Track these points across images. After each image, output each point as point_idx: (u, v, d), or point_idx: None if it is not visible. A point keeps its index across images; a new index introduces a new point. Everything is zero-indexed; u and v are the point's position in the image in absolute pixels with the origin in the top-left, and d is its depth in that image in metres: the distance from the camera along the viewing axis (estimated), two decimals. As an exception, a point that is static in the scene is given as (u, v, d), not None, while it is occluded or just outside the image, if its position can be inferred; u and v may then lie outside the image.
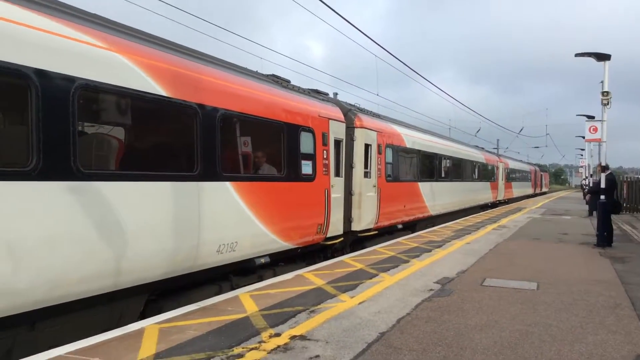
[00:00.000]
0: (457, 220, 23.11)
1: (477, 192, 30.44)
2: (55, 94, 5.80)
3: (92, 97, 6.58)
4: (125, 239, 6.57)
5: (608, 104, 15.48)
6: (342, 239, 13.30)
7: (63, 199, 5.82)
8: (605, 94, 15.30)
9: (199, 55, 8.90)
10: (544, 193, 75.70)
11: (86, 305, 6.28)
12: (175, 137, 8.22)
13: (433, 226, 20.50)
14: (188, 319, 6.57)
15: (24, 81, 5.51)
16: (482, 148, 39.44)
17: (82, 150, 6.13)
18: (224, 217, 8.48)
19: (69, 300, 5.96)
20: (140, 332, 5.98)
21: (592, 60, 15.48)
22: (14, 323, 5.49)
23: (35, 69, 5.60)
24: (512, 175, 45.33)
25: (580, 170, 52.95)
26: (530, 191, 59.13)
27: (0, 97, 5.92)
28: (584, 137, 19.77)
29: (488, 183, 34.07)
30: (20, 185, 5.39)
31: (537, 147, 75.12)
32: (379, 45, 16.79)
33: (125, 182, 6.70)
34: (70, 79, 6.00)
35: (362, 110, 15.88)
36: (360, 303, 7.53)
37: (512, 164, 47.20)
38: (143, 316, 7.27)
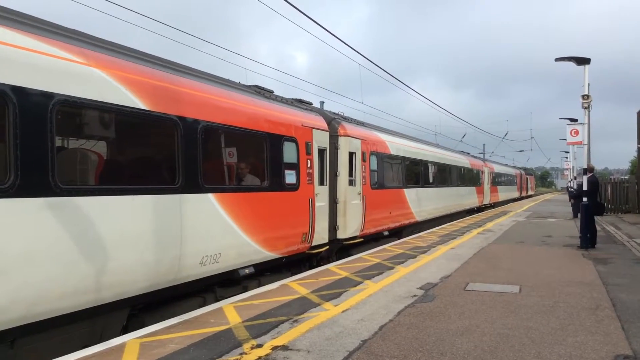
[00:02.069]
0: (443, 226, 23.24)
1: (463, 196, 30.63)
2: (33, 110, 5.80)
3: (70, 112, 6.59)
4: (106, 253, 6.57)
5: (589, 107, 15.69)
6: (327, 247, 13.34)
7: (42, 215, 5.82)
8: (585, 97, 15.50)
9: (179, 67, 8.93)
10: (530, 196, 76.32)
11: (67, 321, 6.25)
12: (156, 150, 8.23)
13: (419, 232, 20.59)
14: (170, 332, 6.56)
15: (1, 98, 5.51)
16: (468, 153, 39.72)
17: (60, 165, 6.13)
18: (206, 228, 8.49)
19: (50, 316, 5.94)
20: (121, 347, 5.96)
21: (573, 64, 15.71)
22: None
23: (13, 85, 5.60)
24: (497, 180, 45.67)
25: (566, 172, 53.46)
26: (516, 195, 59.57)
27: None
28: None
29: (474, 188, 34.29)
30: None
31: (522, 151, 75.88)
32: (361, 55, 16.94)
33: (106, 197, 6.69)
34: (49, 95, 6.00)
35: (346, 119, 15.97)
36: (343, 311, 7.56)
37: (498, 168, 47.57)
38: (125, 330, 7.24)
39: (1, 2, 6.20)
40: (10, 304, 5.44)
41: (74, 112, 6.68)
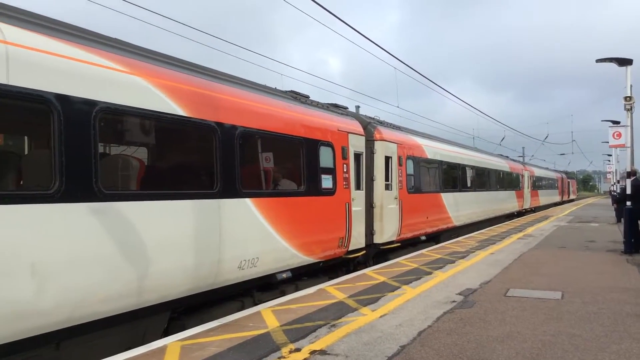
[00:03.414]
0: (482, 231, 22.88)
1: (502, 201, 30.10)
2: (76, 118, 5.97)
3: (113, 119, 6.76)
4: (147, 257, 6.70)
5: (631, 108, 15.26)
6: (364, 252, 13.30)
7: (85, 220, 5.97)
8: (628, 99, 15.09)
9: (217, 74, 9.07)
10: (572, 200, 74.42)
11: (110, 324, 6.40)
12: (195, 156, 8.37)
13: (457, 237, 20.32)
14: (209, 335, 6.64)
15: (46, 106, 5.69)
16: (507, 157, 39.05)
17: (103, 171, 6.29)
18: (244, 233, 8.58)
19: (93, 319, 6.09)
20: (162, 350, 6.07)
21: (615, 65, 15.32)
22: (40, 343, 5.62)
23: (57, 94, 5.77)
24: (538, 183, 44.73)
25: (609, 176, 52.00)
26: (557, 199, 58.21)
27: (24, 123, 6.11)
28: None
29: (513, 192, 33.66)
30: (44, 208, 5.54)
31: (563, 154, 74.16)
32: (396, 58, 16.88)
33: (147, 202, 6.83)
34: (92, 103, 6.16)
35: (382, 123, 15.92)
36: (381, 316, 7.52)
37: (538, 172, 46.60)
38: (166, 333, 7.36)
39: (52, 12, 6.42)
40: (55, 307, 5.60)
41: (116, 119, 6.85)
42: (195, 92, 7.91)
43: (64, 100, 5.84)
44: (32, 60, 5.60)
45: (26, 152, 6.51)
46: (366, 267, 13.47)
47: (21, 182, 6.17)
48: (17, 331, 5.27)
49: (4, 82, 5.26)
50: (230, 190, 8.29)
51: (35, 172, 6.05)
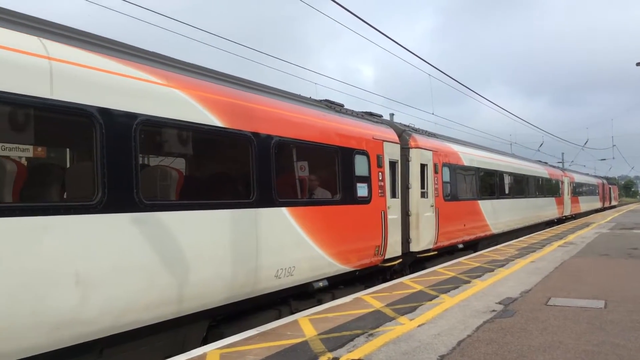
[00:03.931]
0: (521, 238, 22.44)
1: (541, 208, 29.48)
2: (118, 130, 6.12)
3: (152, 131, 6.91)
4: (186, 266, 6.80)
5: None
6: (400, 260, 13.20)
7: (127, 230, 6.10)
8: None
9: (251, 85, 9.19)
10: (614, 207, 72.41)
11: (151, 332, 6.50)
12: (232, 166, 8.47)
13: (496, 245, 19.98)
14: (248, 343, 6.69)
15: (88, 119, 5.85)
16: (546, 163, 38.26)
17: (144, 182, 6.42)
18: (281, 242, 8.62)
19: (135, 327, 6.20)
20: (202, 358, 6.13)
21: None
22: (83, 351, 5.75)
23: (99, 107, 5.93)
24: (578, 190, 43.68)
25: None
26: (598, 205, 56.70)
27: (68, 135, 6.29)
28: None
29: (553, 198, 32.95)
30: (87, 219, 5.69)
31: (604, 160, 72.30)
32: (431, 65, 16.78)
33: (186, 212, 6.95)
34: (132, 116, 6.31)
35: (417, 130, 15.83)
36: (419, 325, 7.44)
37: (578, 178, 45.53)
38: (205, 342, 7.44)
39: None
40: (99, 315, 5.72)
41: (155, 131, 7.00)
42: (231, 103, 8.01)
43: (106, 113, 5.99)
44: (74, 75, 5.77)
45: (70, 164, 6.70)
46: (402, 275, 13.37)
47: (65, 194, 6.35)
48: (63, 339, 5.41)
49: (48, 96, 5.43)
50: (266, 200, 8.35)
51: (79, 183, 6.22)
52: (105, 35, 6.80)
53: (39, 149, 6.81)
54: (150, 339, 6.62)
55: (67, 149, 6.88)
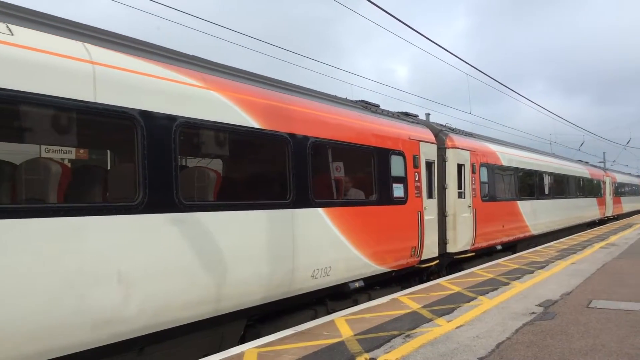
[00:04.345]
0: (562, 240, 21.95)
1: (582, 208, 28.77)
2: (158, 132, 6.24)
3: (191, 133, 7.03)
4: (224, 266, 6.89)
5: None
6: (437, 261, 13.07)
7: (167, 230, 6.22)
8: None
9: (287, 86, 9.25)
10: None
11: (190, 330, 6.61)
12: (269, 167, 8.55)
13: (535, 246, 19.60)
14: (285, 343, 6.74)
15: (130, 122, 5.99)
16: (587, 162, 37.34)
17: (183, 183, 6.53)
18: (317, 242, 8.65)
19: (174, 325, 6.31)
20: (240, 356, 6.21)
21: None
22: (124, 349, 5.88)
23: (140, 110, 6.06)
24: (620, 190, 42.47)
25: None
26: (642, 205, 55.00)
27: (110, 138, 6.44)
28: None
29: (594, 199, 32.11)
30: (129, 219, 5.83)
31: (648, 159, 69.97)
32: (468, 64, 16.60)
33: (224, 212, 7.04)
34: (172, 118, 6.43)
35: (454, 130, 15.66)
36: (457, 327, 7.37)
37: (620, 178, 44.26)
38: (242, 340, 7.53)
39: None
40: (138, 314, 5.84)
41: (194, 133, 7.12)
42: (267, 105, 8.08)
43: (147, 116, 6.11)
44: (116, 79, 5.90)
45: (112, 166, 6.87)
46: (439, 277, 13.24)
47: (107, 195, 6.52)
48: (104, 337, 5.55)
49: (92, 100, 5.58)
50: (303, 200, 8.39)
51: (120, 184, 6.37)
52: (136, 37, 6.94)
53: (83, 151, 7.01)
54: (188, 338, 6.73)
55: (109, 151, 7.06)
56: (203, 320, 6.70)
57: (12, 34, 5.09)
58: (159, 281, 6.06)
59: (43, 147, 7.47)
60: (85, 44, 5.79)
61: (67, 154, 6.73)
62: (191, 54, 7.62)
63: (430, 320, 7.84)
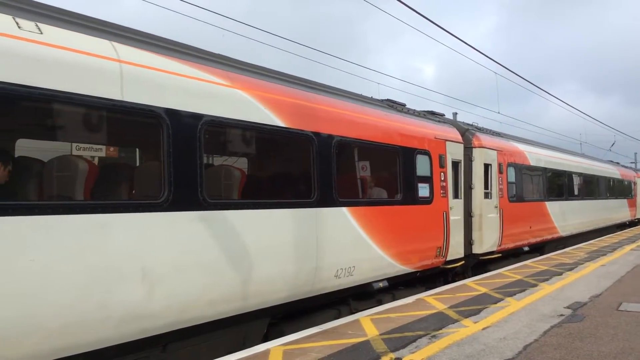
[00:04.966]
0: (591, 241, 21.53)
1: (612, 210, 28.18)
2: (183, 131, 6.26)
3: (216, 131, 7.05)
4: (249, 264, 6.89)
5: None
6: (463, 262, 12.92)
7: (192, 227, 6.24)
8: None
9: (312, 84, 9.22)
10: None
11: (214, 328, 6.63)
12: (293, 166, 8.54)
13: (564, 248, 19.25)
14: (310, 341, 6.72)
15: (156, 120, 6.03)
16: (618, 163, 36.57)
17: (207, 181, 6.55)
18: (341, 242, 8.60)
19: (198, 322, 6.33)
20: (265, 354, 6.22)
21: None
22: (148, 345, 5.91)
23: (166, 108, 6.09)
24: (653, 191, 41.46)
25: None
26: (675, 207, 53.59)
27: (136, 136, 6.49)
28: None
29: (625, 200, 31.42)
30: (154, 216, 5.86)
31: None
32: (497, 62, 16.39)
33: (248, 210, 7.04)
34: (197, 116, 6.45)
35: (481, 129, 15.46)
36: (484, 328, 7.26)
37: (653, 179, 43.23)
38: (266, 339, 7.53)
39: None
40: (164, 310, 5.87)
41: (219, 131, 7.14)
42: (292, 103, 8.07)
43: (173, 114, 6.13)
44: (143, 77, 5.94)
45: (138, 164, 6.94)
46: (464, 278, 13.09)
47: (133, 192, 6.58)
48: (131, 332, 5.59)
49: (119, 98, 5.63)
50: (327, 199, 8.36)
51: (146, 182, 6.42)
52: (166, 37, 6.99)
53: (111, 149, 7.10)
54: (212, 335, 6.74)
55: (136, 149, 7.13)
56: (227, 318, 6.71)
57: (42, 33, 5.16)
58: (184, 278, 6.08)
59: (73, 144, 7.57)
60: (113, 42, 5.85)
61: (96, 151, 6.83)
62: (217, 52, 7.65)
63: (457, 321, 7.75)
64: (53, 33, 5.28)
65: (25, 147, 6.59)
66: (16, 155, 6.27)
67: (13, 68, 4.81)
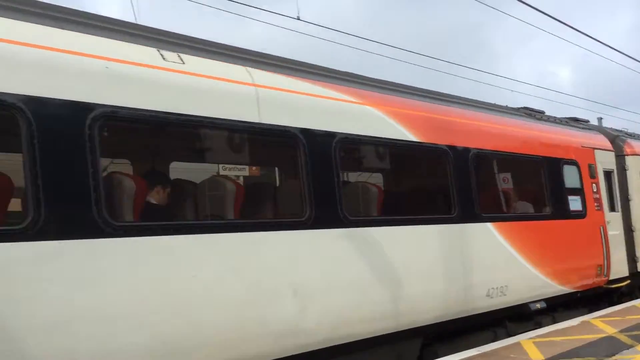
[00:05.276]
0: None
1: None
2: (319, 149, 6.25)
3: (350, 148, 7.00)
4: (394, 281, 6.66)
5: None
6: (628, 281, 11.60)
7: (334, 245, 6.15)
8: None
9: (443, 96, 8.96)
10: None
11: (366, 346, 6.42)
12: (429, 181, 8.26)
13: None
14: (469, 363, 6.24)
15: (293, 140, 6.07)
16: None
17: (346, 198, 6.46)
18: (488, 259, 8.08)
19: (349, 340, 6.17)
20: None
21: None
22: None
23: (302, 128, 6.12)
24: None
25: None
26: None
27: (276, 156, 6.60)
28: None
29: None
30: (300, 234, 5.87)
31: None
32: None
33: (387, 227, 6.85)
34: (331, 134, 6.41)
35: (632, 135, 14.10)
36: (666, 353, 6.32)
37: None
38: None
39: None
40: (316, 326, 5.81)
41: (352, 149, 7.09)
42: (424, 117, 7.83)
43: (308, 133, 6.15)
44: (277, 99, 6.05)
45: (279, 183, 7.06)
46: (632, 299, 11.71)
47: (278, 210, 6.66)
48: (286, 348, 5.57)
49: (257, 120, 5.74)
50: (469, 215, 7.92)
51: (289, 200, 6.49)
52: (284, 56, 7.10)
53: (254, 168, 7.32)
54: (365, 354, 6.52)
55: (275, 168, 7.27)
56: (378, 337, 6.49)
57: (184, 63, 5.42)
58: (331, 295, 6.00)
59: (220, 165, 7.93)
60: (247, 67, 6.02)
61: (240, 171, 7.11)
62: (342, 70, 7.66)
63: (631, 346, 6.87)
64: (193, 62, 5.54)
65: (176, 168, 7.00)
66: (172, 178, 6.63)
67: (163, 97, 5.08)
